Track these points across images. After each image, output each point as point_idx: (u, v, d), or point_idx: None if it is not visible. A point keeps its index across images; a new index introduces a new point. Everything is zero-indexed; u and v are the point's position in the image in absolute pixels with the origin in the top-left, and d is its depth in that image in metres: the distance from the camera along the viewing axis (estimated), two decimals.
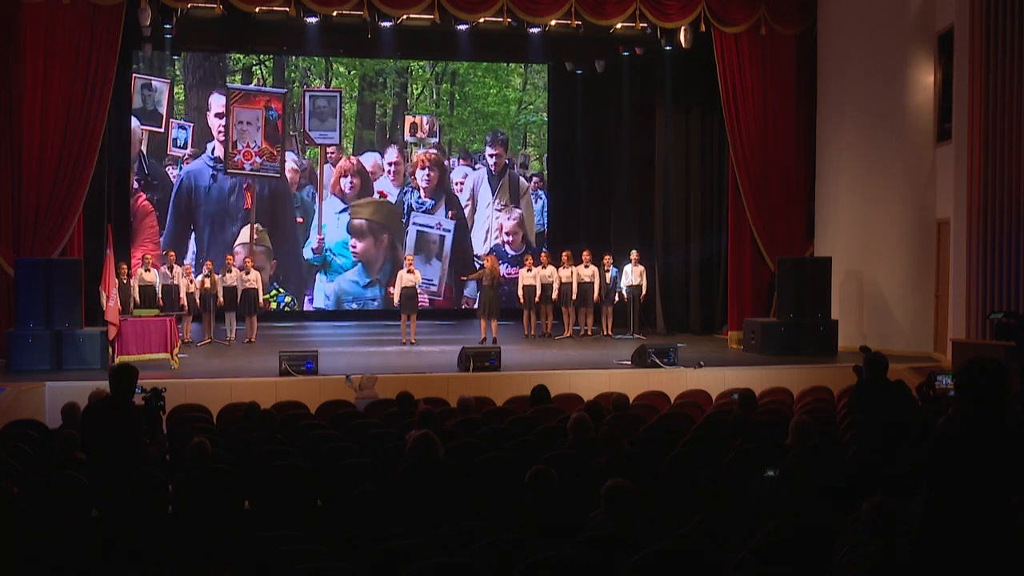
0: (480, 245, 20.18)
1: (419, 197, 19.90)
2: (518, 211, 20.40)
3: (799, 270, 14.81)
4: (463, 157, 20.16)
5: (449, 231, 20.01)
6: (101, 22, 13.70)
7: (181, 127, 18.71)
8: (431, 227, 20.00)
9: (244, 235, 18.95)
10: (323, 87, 19.68)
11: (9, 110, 13.48)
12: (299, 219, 19.43)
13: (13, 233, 13.52)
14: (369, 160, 19.78)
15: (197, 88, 18.80)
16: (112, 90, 14.01)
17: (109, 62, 13.81)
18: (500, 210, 20.35)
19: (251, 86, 19.15)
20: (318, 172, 19.57)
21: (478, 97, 20.23)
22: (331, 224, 19.49)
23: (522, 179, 20.57)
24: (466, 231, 20.25)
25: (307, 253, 19.32)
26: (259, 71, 19.34)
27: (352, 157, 19.68)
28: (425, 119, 19.98)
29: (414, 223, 19.85)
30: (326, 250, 19.62)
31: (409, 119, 19.97)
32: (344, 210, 19.61)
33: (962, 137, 12.86)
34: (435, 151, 19.93)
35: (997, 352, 10.68)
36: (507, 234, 20.43)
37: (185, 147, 18.75)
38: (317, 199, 19.53)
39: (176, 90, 18.66)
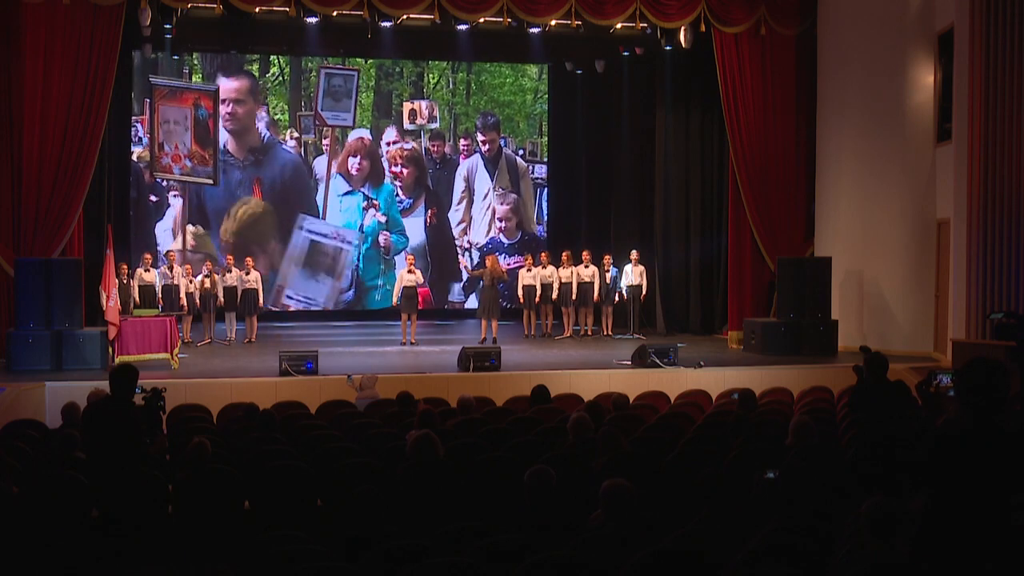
0: (482, 237, 19.97)
1: (397, 195, 19.53)
2: (513, 196, 20.08)
3: (799, 270, 14.81)
4: (466, 141, 20.01)
5: (351, 243, 19.10)
6: (101, 22, 13.70)
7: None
8: (326, 236, 19.10)
9: (178, 240, 18.31)
10: (340, 65, 19.29)
11: (9, 110, 13.48)
12: None
13: (13, 233, 13.52)
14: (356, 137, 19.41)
15: (214, 79, 18.66)
16: (112, 90, 14.01)
17: (109, 62, 13.81)
18: (500, 195, 20.03)
19: (178, 82, 18.16)
20: (327, 157, 19.15)
21: (494, 86, 20.21)
22: (333, 209, 19.18)
23: (519, 160, 20.23)
24: (446, 232, 19.77)
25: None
26: (276, 60, 19.20)
27: (366, 137, 19.35)
28: (424, 104, 19.66)
29: (308, 230, 18.99)
30: None
31: (408, 105, 19.64)
32: (348, 193, 19.15)
33: (962, 137, 12.86)
34: (410, 145, 19.52)
35: (997, 352, 10.69)
36: (500, 219, 20.04)
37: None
38: (324, 186, 19.15)
39: (195, 79, 18.60)
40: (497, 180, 20.06)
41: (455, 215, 20.00)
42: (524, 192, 20.24)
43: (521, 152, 20.26)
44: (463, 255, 19.99)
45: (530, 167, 20.30)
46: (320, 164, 19.29)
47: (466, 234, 20.07)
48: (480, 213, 20.07)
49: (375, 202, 19.43)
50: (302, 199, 19.15)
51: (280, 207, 18.97)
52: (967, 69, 12.70)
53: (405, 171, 19.56)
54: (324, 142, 19.32)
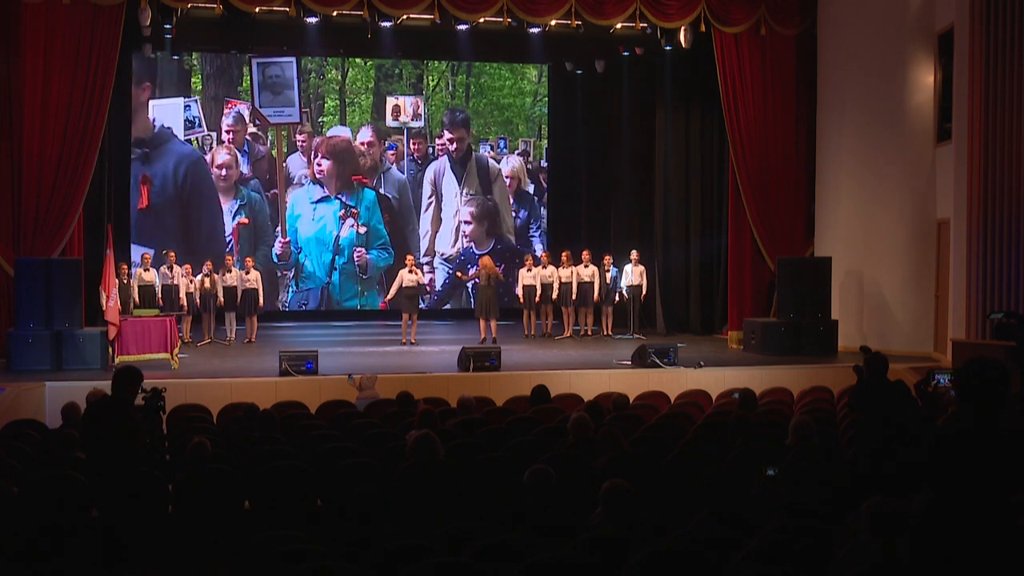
0: (451, 246, 19.12)
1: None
2: (482, 199, 19.23)
3: (799, 270, 14.81)
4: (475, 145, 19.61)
5: None
6: (101, 22, 13.70)
7: (187, 106, 17.95)
8: None
9: None
10: (275, 55, 17.91)
11: (9, 110, 13.49)
12: (244, 219, 17.97)
13: (13, 233, 13.53)
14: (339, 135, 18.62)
15: (214, 79, 18.47)
16: (112, 90, 14.01)
17: (109, 62, 13.81)
18: (467, 200, 19.15)
19: None
20: (276, 157, 18.00)
21: (494, 89, 20.03)
22: (305, 216, 18.26)
23: (491, 162, 19.42)
24: (398, 234, 18.70)
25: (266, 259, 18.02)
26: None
27: (335, 136, 18.31)
28: (408, 101, 19.01)
29: None
30: (296, 250, 18.21)
31: (392, 101, 18.93)
32: (323, 200, 18.04)
33: (962, 137, 12.86)
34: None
35: (997, 352, 10.68)
36: (465, 223, 19.13)
37: (199, 125, 17.90)
38: (277, 190, 18.04)
39: (193, 80, 18.42)
40: (465, 184, 19.20)
41: (423, 224, 19.13)
42: (498, 196, 19.45)
43: (524, 152, 19.92)
44: (429, 267, 18.87)
45: (526, 167, 19.79)
46: (291, 166, 18.25)
47: (434, 244, 19.11)
48: (449, 221, 19.15)
49: (354, 211, 18.52)
50: (200, 198, 17.75)
51: (174, 207, 17.78)
52: (967, 69, 12.70)
53: (325, 163, 18.45)
54: (261, 146, 18.23)
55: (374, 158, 18.89)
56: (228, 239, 18.20)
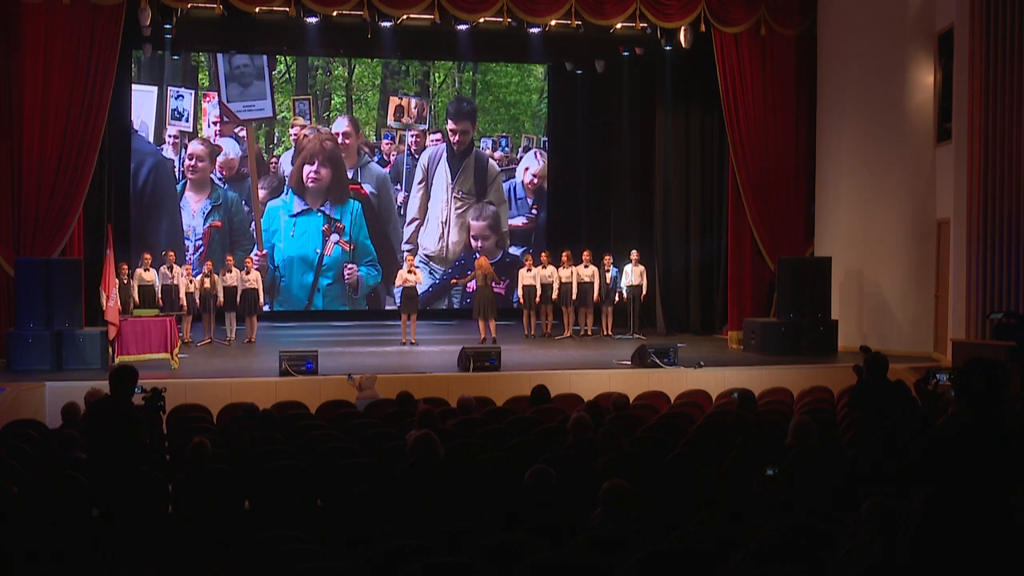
0: (435, 243, 18.46)
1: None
2: (491, 208, 18.78)
3: (799, 270, 14.81)
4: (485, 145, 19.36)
5: None
6: (101, 22, 13.70)
7: (178, 96, 17.21)
8: None
9: None
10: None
11: (9, 110, 13.48)
12: (216, 222, 17.20)
13: (13, 233, 13.52)
14: (339, 128, 17.74)
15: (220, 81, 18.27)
16: (112, 90, 14.01)
17: (109, 62, 13.81)
18: (460, 200, 18.51)
19: None
20: (249, 159, 16.94)
21: (500, 86, 19.91)
22: (282, 232, 17.21)
23: (491, 162, 18.94)
24: (380, 236, 17.92)
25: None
26: (282, 59, 18.49)
27: (324, 132, 17.31)
28: (413, 101, 18.53)
29: None
30: (273, 267, 17.29)
31: (395, 101, 18.37)
32: (304, 212, 16.68)
33: (962, 137, 12.86)
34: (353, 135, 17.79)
35: (997, 352, 10.68)
36: (475, 238, 18.49)
37: (186, 119, 17.29)
38: (251, 197, 16.93)
39: (201, 76, 18.22)
40: (459, 181, 18.57)
41: (409, 210, 18.58)
42: (496, 199, 19.11)
43: (531, 149, 19.73)
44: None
45: (531, 160, 19.50)
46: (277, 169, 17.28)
47: (417, 235, 18.46)
48: (436, 214, 18.40)
49: (339, 224, 17.58)
50: (160, 200, 16.90)
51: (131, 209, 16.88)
52: (967, 69, 12.70)
53: (323, 171, 17.67)
54: (237, 143, 17.19)
55: (351, 150, 18.26)
56: (198, 242, 17.55)
